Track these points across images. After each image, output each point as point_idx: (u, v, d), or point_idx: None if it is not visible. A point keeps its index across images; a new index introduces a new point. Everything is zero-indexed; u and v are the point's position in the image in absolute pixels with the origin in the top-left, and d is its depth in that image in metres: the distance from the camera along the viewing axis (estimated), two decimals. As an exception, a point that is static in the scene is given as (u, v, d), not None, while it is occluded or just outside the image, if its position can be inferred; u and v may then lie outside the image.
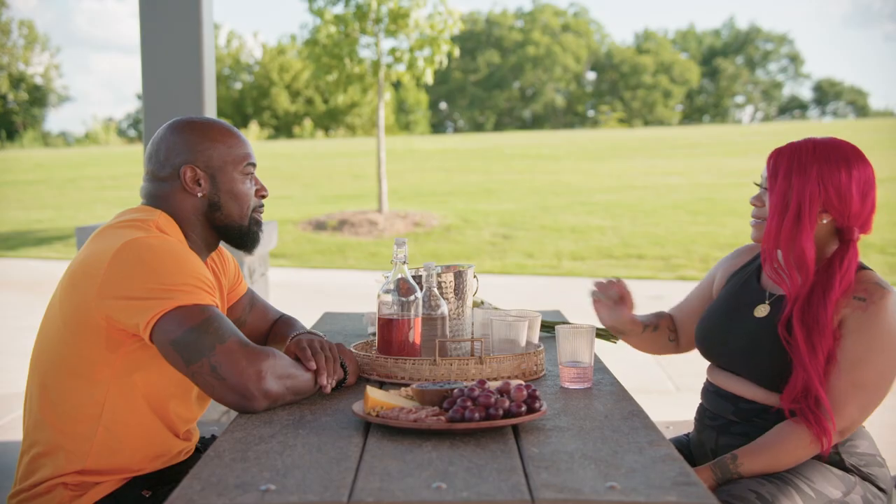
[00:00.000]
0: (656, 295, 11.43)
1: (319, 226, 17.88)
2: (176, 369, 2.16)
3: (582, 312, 3.96)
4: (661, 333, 2.92)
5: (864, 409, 2.35)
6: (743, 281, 2.67)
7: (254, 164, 2.46)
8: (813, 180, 2.38)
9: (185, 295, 2.13)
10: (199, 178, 2.38)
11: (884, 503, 2.41)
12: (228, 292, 2.68)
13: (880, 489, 2.43)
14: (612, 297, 2.82)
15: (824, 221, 2.42)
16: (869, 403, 2.35)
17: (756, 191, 2.62)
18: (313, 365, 2.28)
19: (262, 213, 2.51)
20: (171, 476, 2.34)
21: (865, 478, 2.42)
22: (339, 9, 17.31)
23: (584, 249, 15.46)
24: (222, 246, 2.67)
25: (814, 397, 2.32)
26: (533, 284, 12.86)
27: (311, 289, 12.23)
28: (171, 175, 2.38)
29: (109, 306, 2.14)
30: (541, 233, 16.92)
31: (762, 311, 2.53)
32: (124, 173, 27.98)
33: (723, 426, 2.56)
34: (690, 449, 2.75)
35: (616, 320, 2.83)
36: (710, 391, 2.66)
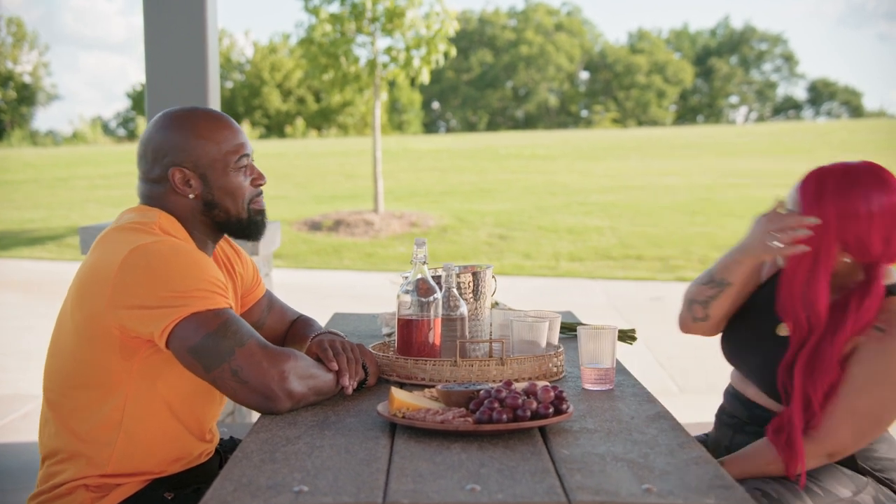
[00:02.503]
0: (656, 296, 11.44)
1: (315, 226, 17.84)
2: (196, 375, 2.14)
3: (584, 313, 3.96)
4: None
5: (858, 437, 2.31)
6: (768, 290, 2.57)
7: (247, 155, 2.37)
8: (832, 226, 2.30)
9: (198, 301, 2.10)
10: (188, 179, 2.31)
11: None
12: (246, 294, 2.66)
13: (894, 491, 2.42)
14: None
15: (846, 260, 2.35)
16: (865, 432, 2.31)
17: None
18: (335, 366, 2.27)
19: (261, 200, 2.43)
20: (192, 478, 2.33)
21: (881, 481, 2.41)
22: (334, 7, 17.29)
23: (581, 250, 15.47)
24: (239, 246, 2.66)
25: (790, 430, 2.29)
26: (531, 286, 12.86)
27: (307, 290, 12.20)
28: (160, 177, 2.32)
29: (122, 316, 2.11)
30: (538, 233, 16.92)
31: (784, 330, 2.46)
32: (115, 173, 27.89)
33: (737, 425, 2.58)
34: (708, 446, 2.74)
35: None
36: (729, 393, 2.67)
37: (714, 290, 2.61)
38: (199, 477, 2.35)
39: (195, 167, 2.31)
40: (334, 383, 2.25)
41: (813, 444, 2.28)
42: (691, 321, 2.69)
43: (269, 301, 2.77)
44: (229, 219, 2.37)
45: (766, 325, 2.53)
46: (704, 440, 2.80)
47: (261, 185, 2.41)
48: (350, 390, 2.28)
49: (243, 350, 2.08)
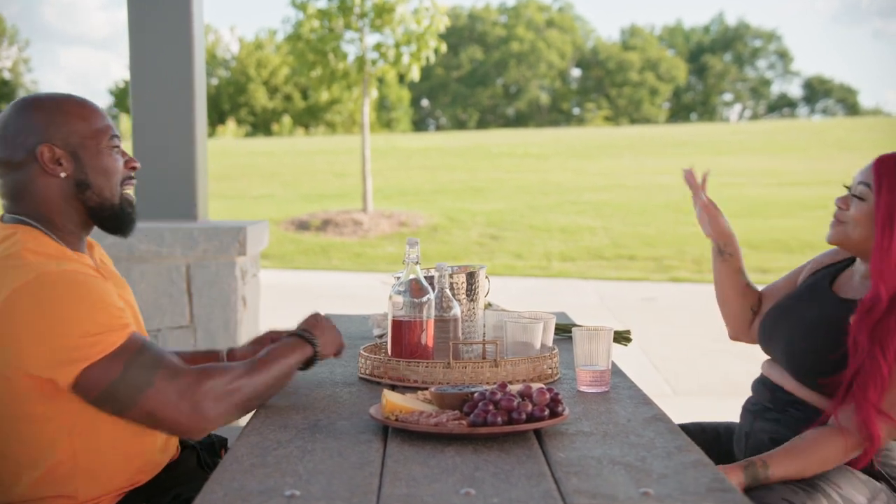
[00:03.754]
0: (649, 297, 11.44)
1: (302, 226, 17.78)
2: None
3: (577, 314, 3.94)
4: (749, 296, 2.82)
5: (890, 431, 2.33)
6: (816, 280, 2.65)
7: (118, 137, 2.22)
8: None
9: (91, 349, 1.95)
10: (58, 158, 2.12)
11: None
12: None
13: None
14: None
15: None
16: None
17: (844, 191, 2.54)
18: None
19: (131, 187, 2.27)
20: (168, 482, 2.27)
21: (893, 487, 2.40)
22: (322, 3, 17.23)
23: (573, 250, 15.46)
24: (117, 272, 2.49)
25: (865, 412, 2.28)
26: (523, 286, 12.82)
27: (296, 290, 12.15)
28: (26, 159, 2.12)
29: (22, 365, 1.97)
30: (529, 233, 16.91)
31: (815, 310, 2.53)
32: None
33: (758, 411, 2.58)
34: (720, 433, 2.78)
35: (717, 228, 2.76)
36: (757, 381, 2.67)
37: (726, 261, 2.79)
38: (177, 479, 2.29)
39: (66, 144, 2.14)
40: (265, 386, 2.14)
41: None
42: (736, 319, 2.83)
43: None
44: (102, 203, 2.20)
45: (801, 307, 2.58)
46: (716, 429, 2.79)
47: (133, 167, 2.27)
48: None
49: (152, 390, 1.98)
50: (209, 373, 2.05)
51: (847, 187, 2.52)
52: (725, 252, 2.78)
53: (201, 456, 2.48)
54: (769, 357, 2.66)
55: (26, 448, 2.07)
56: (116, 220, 2.24)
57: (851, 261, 2.61)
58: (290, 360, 2.22)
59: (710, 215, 2.76)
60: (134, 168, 2.28)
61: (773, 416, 2.52)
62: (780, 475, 2.31)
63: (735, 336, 2.87)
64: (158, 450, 2.26)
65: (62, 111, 2.16)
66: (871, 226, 2.40)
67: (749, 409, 2.64)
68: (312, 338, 2.29)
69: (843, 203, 2.49)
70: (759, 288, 2.87)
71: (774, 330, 2.62)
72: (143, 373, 1.98)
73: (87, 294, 2.00)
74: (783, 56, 74.45)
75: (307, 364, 2.29)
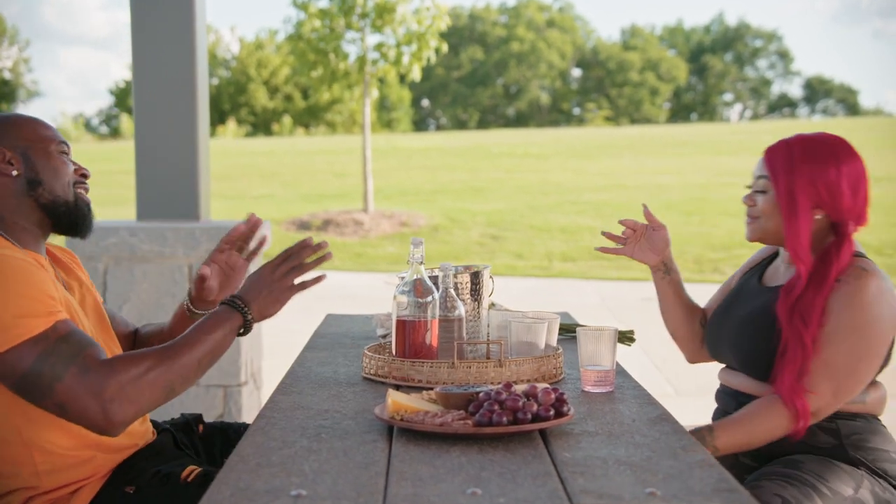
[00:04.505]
0: (649, 297, 11.40)
1: (303, 226, 17.78)
2: None
3: (578, 314, 3.94)
4: (696, 310, 2.88)
5: (837, 393, 2.38)
6: (745, 280, 2.75)
7: (67, 144, 2.30)
8: (805, 179, 2.46)
9: (8, 333, 1.94)
10: (9, 158, 2.21)
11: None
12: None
13: (892, 484, 2.42)
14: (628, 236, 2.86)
15: (818, 217, 2.49)
16: (843, 387, 2.38)
17: (747, 191, 2.66)
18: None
19: (86, 191, 2.34)
20: (147, 463, 2.27)
21: (875, 472, 2.42)
22: (323, 3, 17.23)
23: (574, 250, 15.45)
24: (72, 254, 2.53)
25: (790, 385, 2.38)
26: (524, 286, 12.82)
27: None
28: None
29: None
30: (530, 233, 16.90)
31: (749, 306, 2.62)
32: (97, 171, 27.44)
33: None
34: None
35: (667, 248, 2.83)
36: (719, 391, 2.72)
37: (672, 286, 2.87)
38: (154, 459, 2.29)
39: (14, 146, 2.22)
40: (190, 370, 2.07)
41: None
42: (691, 339, 2.87)
43: (111, 311, 2.63)
44: (55, 200, 2.25)
45: (738, 306, 2.67)
46: None
47: (85, 175, 2.34)
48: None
49: (62, 385, 1.93)
50: (118, 367, 1.97)
51: (748, 186, 2.64)
52: (671, 270, 2.85)
53: (177, 437, 2.50)
54: (723, 365, 2.72)
55: None
56: (71, 218, 2.29)
57: (777, 254, 2.73)
58: (215, 335, 2.12)
59: (663, 237, 2.82)
60: (84, 175, 2.34)
61: None
62: (725, 442, 2.38)
63: (692, 358, 2.92)
64: (125, 437, 2.24)
65: (11, 122, 2.27)
66: (779, 213, 2.52)
67: (718, 419, 2.64)
68: (242, 306, 2.18)
69: (749, 200, 2.61)
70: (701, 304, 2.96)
71: (718, 337, 2.70)
72: (58, 363, 1.94)
73: (14, 277, 2.00)
74: (783, 56, 74.43)
75: (243, 330, 2.20)
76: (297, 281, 2.26)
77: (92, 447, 2.20)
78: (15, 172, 2.21)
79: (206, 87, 5.33)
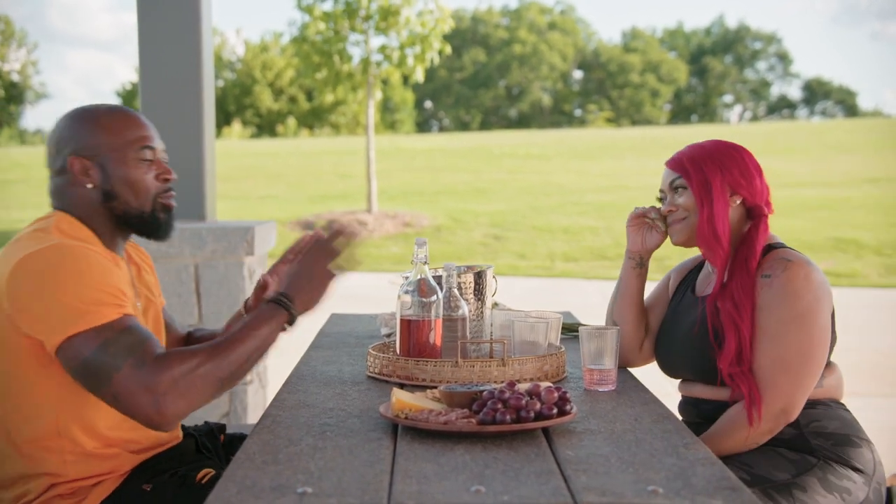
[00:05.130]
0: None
1: (307, 226, 17.82)
2: None
3: (580, 314, 3.95)
4: (643, 320, 2.85)
5: (797, 385, 2.40)
6: (681, 295, 2.79)
7: (151, 148, 2.32)
8: (716, 168, 2.55)
9: (80, 318, 2.02)
10: (87, 169, 2.26)
11: (858, 483, 2.40)
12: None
13: (855, 469, 2.42)
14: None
15: (737, 203, 2.57)
16: (802, 377, 2.40)
17: (659, 205, 2.73)
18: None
19: (170, 198, 2.37)
20: (166, 463, 2.31)
21: (834, 459, 2.42)
22: (328, 5, 17.26)
23: (576, 250, 15.48)
24: (147, 255, 2.61)
25: (748, 364, 2.43)
26: (526, 286, 12.84)
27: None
28: (62, 168, 2.29)
29: (21, 326, 2.07)
30: (532, 233, 16.92)
31: (691, 317, 2.64)
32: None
33: (694, 429, 2.59)
34: None
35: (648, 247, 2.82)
36: (681, 402, 2.73)
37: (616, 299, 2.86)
38: (174, 461, 2.33)
39: (93, 156, 2.26)
40: (237, 366, 2.10)
41: (763, 406, 2.38)
42: (635, 335, 2.83)
43: (168, 314, 2.70)
44: (129, 211, 2.30)
45: (681, 318, 2.69)
46: None
47: (168, 180, 2.36)
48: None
49: (119, 375, 1.98)
50: (171, 362, 2.01)
51: (660, 199, 2.72)
52: (643, 267, 2.84)
53: (199, 441, 2.53)
54: (678, 375, 2.73)
55: (15, 413, 2.16)
56: (147, 226, 2.34)
57: (702, 262, 2.80)
58: (261, 331, 2.15)
59: (657, 240, 2.82)
60: (167, 180, 2.35)
61: (706, 428, 2.54)
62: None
63: (626, 360, 2.79)
64: (151, 435, 2.31)
65: (95, 124, 2.28)
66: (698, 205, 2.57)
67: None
68: (286, 301, 2.21)
69: (671, 206, 2.65)
70: None
71: (670, 353, 2.71)
72: (118, 354, 1.99)
73: (90, 268, 2.08)
74: (783, 58, 74.36)
75: (289, 324, 2.23)
76: (333, 268, 2.29)
77: (119, 444, 2.25)
78: (90, 185, 2.27)
79: (213, 89, 5.34)
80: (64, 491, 2.17)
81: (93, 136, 2.27)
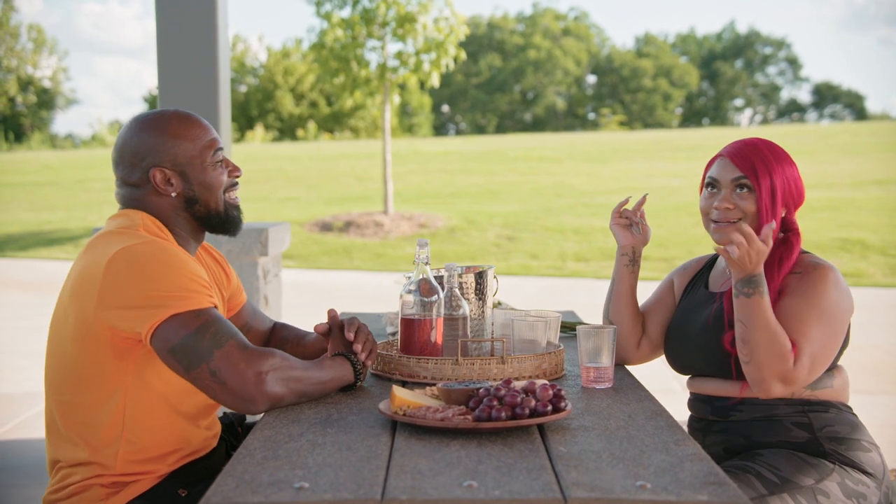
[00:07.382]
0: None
1: (325, 227, 17.89)
2: (177, 375, 2.17)
3: (590, 313, 3.98)
4: (639, 316, 2.86)
5: (812, 366, 2.42)
6: (697, 290, 2.78)
7: (221, 149, 2.45)
8: (782, 179, 2.53)
9: (179, 301, 2.14)
10: (169, 178, 2.37)
11: (871, 488, 2.43)
12: (231, 299, 2.70)
13: (867, 473, 2.45)
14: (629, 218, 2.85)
15: (783, 214, 2.56)
16: (816, 361, 2.42)
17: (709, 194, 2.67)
18: (352, 336, 2.38)
19: (236, 192, 2.49)
20: (203, 472, 2.37)
21: (847, 463, 2.45)
22: (346, 12, 17.34)
23: (587, 251, 15.47)
24: (223, 256, 2.72)
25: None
26: (538, 286, 12.87)
27: (317, 290, 12.24)
28: (141, 180, 2.38)
29: (110, 317, 2.16)
30: (545, 234, 16.92)
31: (706, 312, 2.65)
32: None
33: (705, 426, 2.64)
34: None
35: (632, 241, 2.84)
36: (691, 399, 2.73)
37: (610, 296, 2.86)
38: (209, 469, 2.38)
39: (174, 165, 2.37)
40: (320, 385, 2.26)
41: (798, 350, 2.41)
42: (632, 334, 2.83)
43: (252, 307, 2.82)
44: (209, 212, 2.43)
45: (696, 314, 2.69)
46: None
47: (237, 176, 2.47)
48: (365, 360, 2.38)
49: (221, 351, 2.11)
50: (276, 353, 2.17)
51: (712, 187, 2.63)
52: (636, 263, 2.84)
53: (229, 442, 2.59)
54: (690, 370, 2.73)
55: (87, 396, 2.25)
56: (223, 224, 2.47)
57: (711, 261, 2.83)
58: (340, 373, 2.33)
59: (646, 233, 2.86)
60: (236, 176, 2.47)
61: (719, 427, 2.59)
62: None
63: (624, 358, 2.82)
64: (199, 433, 2.38)
65: (170, 134, 2.37)
66: (757, 214, 2.54)
67: (695, 426, 2.69)
68: (360, 370, 2.38)
69: (728, 204, 2.57)
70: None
71: (684, 348, 2.71)
72: (219, 334, 2.13)
73: (180, 262, 2.21)
74: (792, 63, 73.97)
75: (345, 387, 2.37)
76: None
77: (171, 449, 2.32)
78: (174, 193, 2.38)
79: (228, 95, 5.38)
80: (105, 482, 2.25)
81: (171, 147, 2.37)
